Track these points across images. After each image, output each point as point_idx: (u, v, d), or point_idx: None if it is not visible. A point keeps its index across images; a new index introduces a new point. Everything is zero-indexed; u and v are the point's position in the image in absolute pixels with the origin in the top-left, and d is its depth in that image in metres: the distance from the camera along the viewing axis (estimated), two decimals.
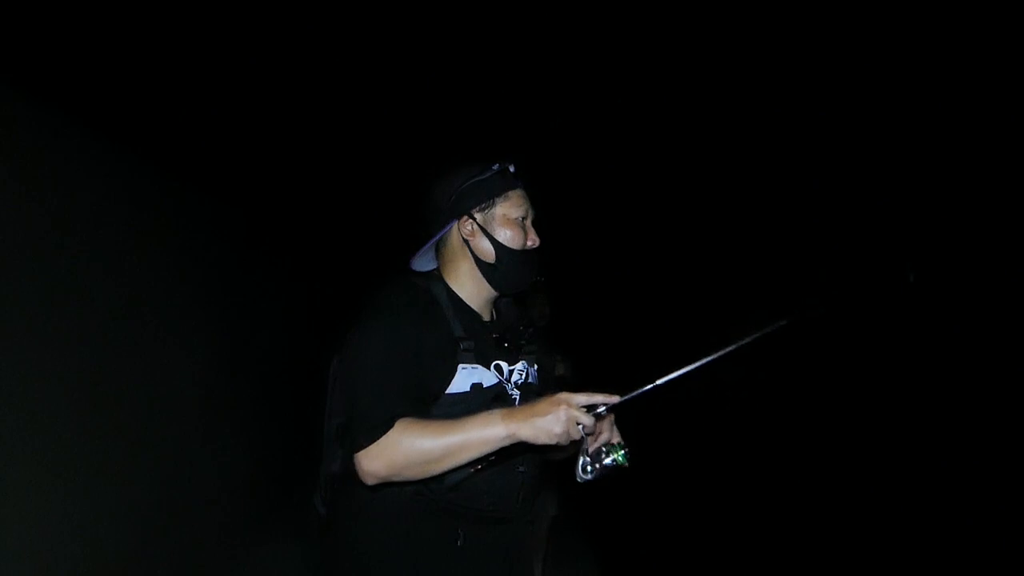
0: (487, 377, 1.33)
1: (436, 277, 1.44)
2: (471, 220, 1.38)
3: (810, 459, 5.30)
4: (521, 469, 1.36)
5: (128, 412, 2.47)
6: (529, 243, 1.40)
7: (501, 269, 1.38)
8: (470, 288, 1.41)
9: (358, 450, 1.16)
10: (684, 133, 4.51)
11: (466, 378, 1.29)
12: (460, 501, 1.29)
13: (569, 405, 1.14)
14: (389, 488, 1.23)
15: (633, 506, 5.01)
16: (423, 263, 1.50)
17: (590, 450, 1.20)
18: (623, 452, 1.20)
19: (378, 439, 1.15)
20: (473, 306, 1.42)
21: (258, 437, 4.07)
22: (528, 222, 1.42)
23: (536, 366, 1.48)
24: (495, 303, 1.49)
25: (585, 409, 1.16)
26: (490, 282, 1.40)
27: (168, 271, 2.93)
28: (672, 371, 1.20)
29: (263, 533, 3.77)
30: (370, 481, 1.17)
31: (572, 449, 1.29)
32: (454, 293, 1.41)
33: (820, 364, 5.89)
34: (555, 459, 1.48)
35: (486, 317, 1.45)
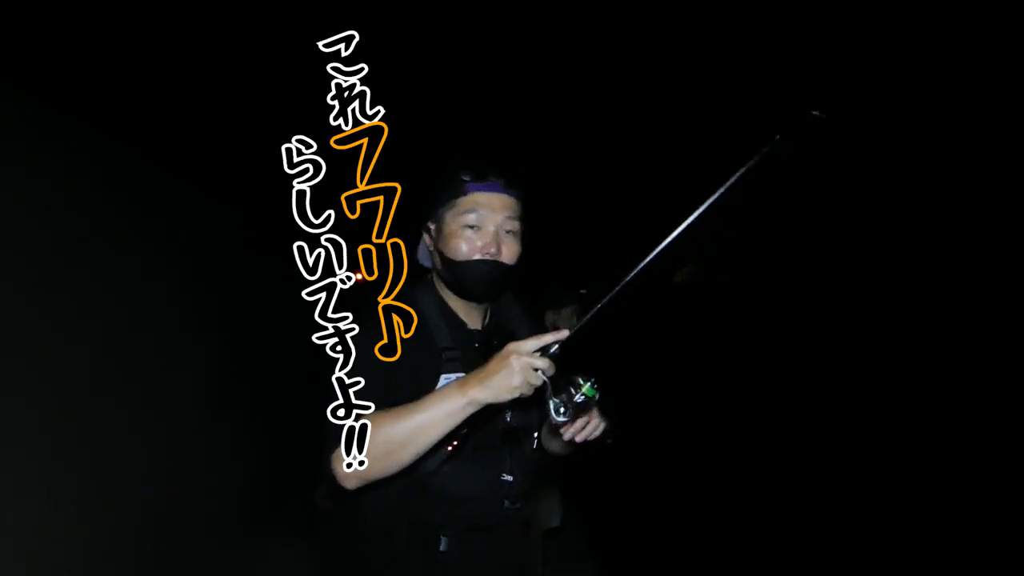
0: None
1: (428, 283, 1.43)
2: (428, 232, 1.38)
3: (810, 461, 5.30)
4: (507, 478, 1.34)
5: (128, 413, 2.47)
6: (480, 252, 1.30)
7: (451, 279, 1.36)
8: (452, 295, 1.40)
9: (332, 453, 1.15)
10: (684, 133, 4.51)
11: None
12: (443, 508, 1.29)
13: (519, 354, 1.10)
14: (375, 490, 1.22)
15: (632, 508, 5.01)
16: (425, 257, 1.49)
17: (556, 393, 1.16)
18: (590, 384, 1.16)
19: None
20: (460, 313, 1.40)
21: (259, 437, 4.07)
22: (490, 228, 1.31)
23: None
24: (490, 309, 1.46)
25: (538, 353, 1.12)
26: (453, 291, 1.38)
27: (169, 270, 2.93)
28: (611, 291, 1.14)
29: (263, 534, 3.77)
30: (348, 484, 1.15)
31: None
32: (443, 300, 1.40)
33: (819, 365, 5.89)
34: (554, 447, 1.45)
35: (476, 324, 1.42)
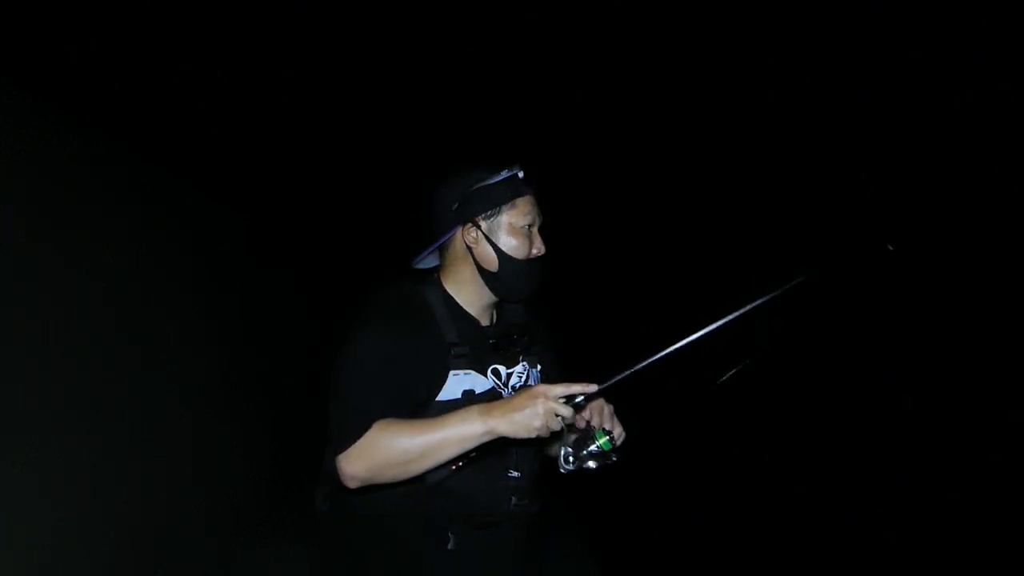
0: (480, 383, 1.33)
1: (433, 281, 1.42)
2: (475, 227, 1.35)
3: (809, 457, 5.30)
4: (514, 474, 1.35)
5: (127, 415, 2.47)
6: (534, 252, 1.37)
7: (503, 277, 1.36)
8: (469, 293, 1.40)
9: (339, 453, 1.17)
10: (688, 134, 4.53)
11: (457, 384, 1.29)
12: (450, 505, 1.29)
13: (547, 398, 1.13)
14: (380, 488, 1.23)
15: (632, 506, 5.01)
16: (427, 260, 1.49)
17: (572, 440, 1.19)
18: (607, 438, 1.18)
19: (356, 441, 1.15)
20: (471, 311, 1.40)
21: (259, 439, 4.08)
22: (535, 229, 1.38)
23: (539, 367, 1.47)
24: (499, 306, 1.47)
25: (564, 400, 1.15)
26: (492, 289, 1.39)
27: (168, 272, 2.93)
28: (650, 356, 1.18)
29: (262, 536, 3.77)
30: (352, 484, 1.17)
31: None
32: (451, 297, 1.39)
33: (817, 361, 5.89)
34: (552, 454, 1.47)
35: (485, 322, 1.43)
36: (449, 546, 1.29)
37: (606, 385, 1.17)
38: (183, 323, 3.03)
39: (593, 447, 1.18)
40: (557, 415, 1.13)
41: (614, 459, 1.20)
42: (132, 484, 2.47)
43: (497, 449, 1.33)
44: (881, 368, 5.43)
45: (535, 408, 1.12)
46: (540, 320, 1.54)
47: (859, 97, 3.58)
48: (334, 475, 1.40)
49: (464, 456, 1.18)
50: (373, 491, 1.24)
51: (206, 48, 2.74)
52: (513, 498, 1.35)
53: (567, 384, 1.16)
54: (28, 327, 1.94)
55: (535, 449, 1.44)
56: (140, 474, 2.53)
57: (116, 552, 2.34)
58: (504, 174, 1.35)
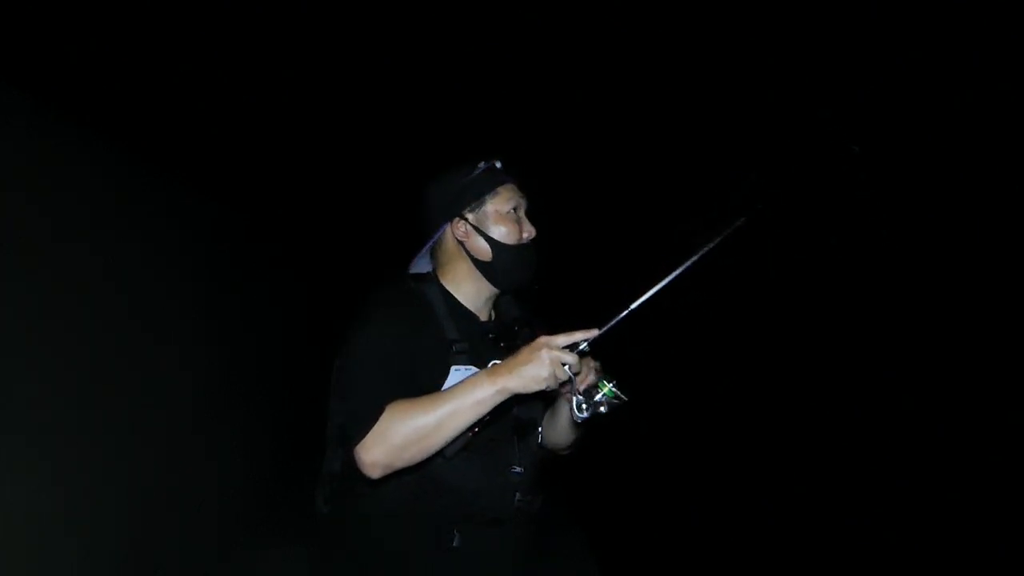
0: None
1: (431, 279, 1.43)
2: (463, 221, 1.38)
3: (809, 457, 5.30)
4: (517, 470, 1.36)
5: (127, 414, 2.47)
6: (524, 235, 1.39)
7: (498, 265, 1.37)
8: (468, 288, 1.41)
9: (356, 445, 1.16)
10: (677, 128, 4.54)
11: (458, 380, 1.28)
12: (454, 504, 1.30)
13: (550, 347, 1.14)
14: (386, 488, 1.23)
15: (632, 506, 5.01)
16: (421, 266, 1.50)
17: (580, 388, 1.20)
18: (610, 386, 1.20)
19: (371, 428, 1.15)
20: (470, 307, 1.41)
21: (259, 439, 4.08)
22: (521, 213, 1.41)
23: None
24: (496, 302, 1.48)
25: (567, 348, 1.16)
26: (490, 280, 1.40)
27: (169, 272, 2.93)
28: (643, 294, 1.18)
29: (262, 536, 3.77)
30: (375, 473, 1.16)
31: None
32: (450, 295, 1.41)
33: (817, 361, 5.89)
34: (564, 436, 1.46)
35: (484, 317, 1.44)
36: (454, 543, 1.30)
37: (607, 328, 1.17)
38: (183, 323, 3.03)
39: (599, 396, 1.19)
40: (563, 363, 1.14)
41: (625, 399, 1.21)
42: (132, 483, 2.46)
43: (502, 444, 1.34)
44: (881, 368, 5.43)
45: (540, 359, 1.13)
46: (539, 317, 1.54)
47: (859, 97, 3.59)
48: (335, 477, 1.41)
49: (479, 422, 1.18)
50: (375, 492, 1.24)
51: (206, 48, 2.74)
52: (517, 494, 1.35)
53: (568, 333, 1.17)
54: (26, 329, 1.94)
55: (536, 446, 1.44)
56: (140, 474, 2.53)
57: (116, 552, 2.34)
58: (482, 167, 1.39)
